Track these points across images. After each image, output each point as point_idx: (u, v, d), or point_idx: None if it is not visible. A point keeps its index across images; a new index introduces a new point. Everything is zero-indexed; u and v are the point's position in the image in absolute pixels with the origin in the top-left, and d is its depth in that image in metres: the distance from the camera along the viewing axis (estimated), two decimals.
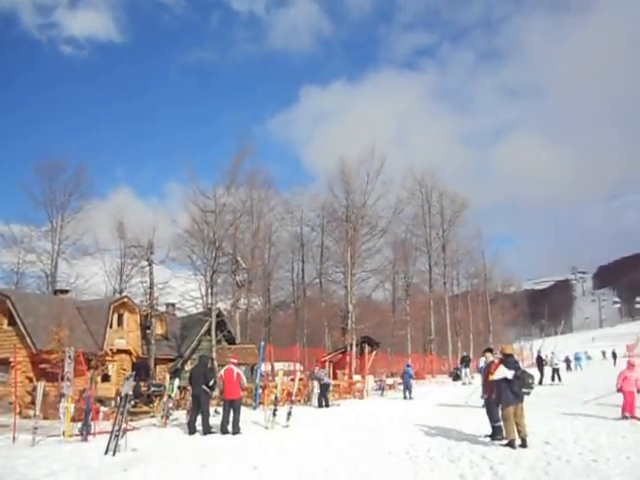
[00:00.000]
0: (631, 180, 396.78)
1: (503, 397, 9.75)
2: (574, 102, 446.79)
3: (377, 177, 38.93)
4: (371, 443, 10.46)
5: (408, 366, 25.62)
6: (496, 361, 10.75)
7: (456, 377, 35.07)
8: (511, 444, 9.44)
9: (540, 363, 29.11)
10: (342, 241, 37.37)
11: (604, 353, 54.08)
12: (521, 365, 11.08)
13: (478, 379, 25.87)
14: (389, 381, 28.92)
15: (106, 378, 26.60)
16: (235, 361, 13.34)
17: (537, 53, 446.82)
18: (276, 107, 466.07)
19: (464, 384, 29.48)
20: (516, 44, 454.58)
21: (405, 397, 23.48)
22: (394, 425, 13.44)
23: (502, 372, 9.82)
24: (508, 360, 10.12)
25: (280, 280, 44.76)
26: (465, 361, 32.63)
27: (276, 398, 14.84)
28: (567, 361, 42.79)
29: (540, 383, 27.77)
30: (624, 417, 12.91)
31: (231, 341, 31.66)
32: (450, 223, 50.36)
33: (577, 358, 42.02)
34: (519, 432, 9.55)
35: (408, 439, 10.76)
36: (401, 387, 27.23)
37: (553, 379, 28.30)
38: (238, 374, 13.04)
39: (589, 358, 58.66)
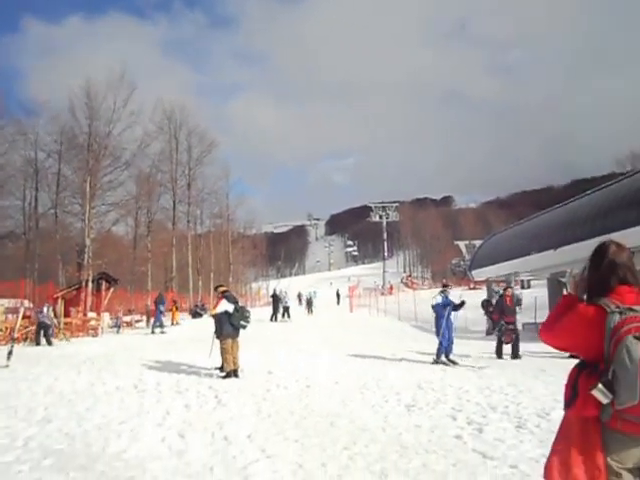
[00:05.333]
0: (351, 145, 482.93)
1: (224, 330, 10.34)
2: (296, 70, 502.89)
3: (125, 106, 36.83)
4: (99, 379, 10.21)
5: (162, 303, 26.00)
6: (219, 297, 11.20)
7: (195, 314, 35.68)
8: (229, 374, 10.12)
9: (275, 301, 31.01)
10: (82, 171, 34.83)
11: (338, 295, 59.20)
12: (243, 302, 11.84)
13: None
14: (126, 318, 28.31)
15: None
16: None
17: (260, 24, 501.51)
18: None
19: (162, 332, 24.14)
20: (242, 14, 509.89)
21: (153, 332, 23.80)
22: (126, 361, 13.26)
23: (224, 305, 10.44)
24: (228, 295, 10.78)
25: (9, 208, 39.89)
26: (160, 301, 27.29)
27: None
28: (299, 297, 46.15)
29: (274, 319, 29.76)
30: None
31: None
32: (197, 162, 50.03)
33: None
34: (234, 364, 10.28)
35: (138, 374, 10.78)
36: (138, 325, 27.39)
37: (283, 316, 30.51)
38: None
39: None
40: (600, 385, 2.15)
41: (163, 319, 25.32)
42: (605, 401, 2.16)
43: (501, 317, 13.81)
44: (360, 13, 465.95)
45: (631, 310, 2.23)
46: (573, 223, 21.97)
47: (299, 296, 49.68)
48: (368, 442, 5.82)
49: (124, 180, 39.83)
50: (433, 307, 13.27)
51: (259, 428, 6.46)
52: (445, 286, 13.73)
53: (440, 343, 12.72)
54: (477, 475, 4.76)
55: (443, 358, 12.62)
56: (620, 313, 2.22)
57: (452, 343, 12.91)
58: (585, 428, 2.27)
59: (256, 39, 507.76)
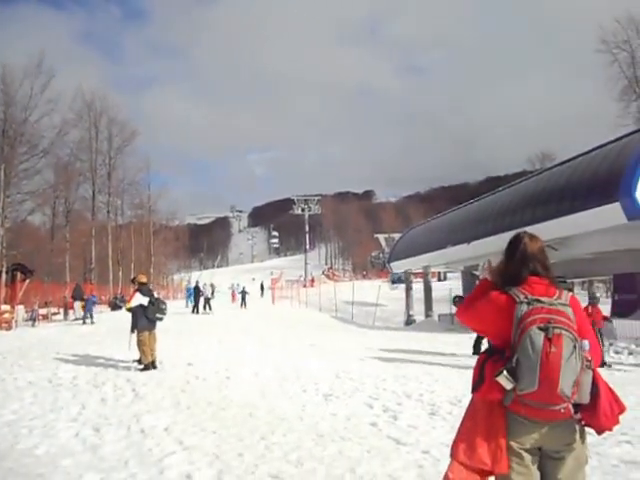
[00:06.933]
0: (273, 139, 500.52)
1: (139, 323, 10.24)
2: (214, 65, 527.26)
3: (42, 93, 35.42)
4: (10, 374, 9.79)
5: (93, 296, 25.79)
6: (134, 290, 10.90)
7: (115, 307, 34.70)
8: (148, 367, 10.01)
9: (197, 293, 30.63)
10: None
11: (262, 287, 58.97)
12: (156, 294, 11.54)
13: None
14: (43, 311, 27.28)
15: None
16: None
17: (176, 18, 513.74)
18: None
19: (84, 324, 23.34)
20: (157, 7, 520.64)
21: (85, 322, 23.27)
22: (41, 355, 12.70)
23: (138, 299, 10.31)
24: (143, 288, 10.60)
25: None
26: (77, 293, 27.61)
27: None
28: (212, 288, 45.79)
29: (195, 312, 29.44)
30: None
31: None
32: (118, 151, 48.56)
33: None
34: (151, 355, 10.20)
35: (53, 368, 10.41)
36: (55, 317, 27.52)
37: (205, 308, 30.25)
38: None
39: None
40: (505, 372, 2.26)
41: (81, 311, 24.73)
42: (509, 387, 2.27)
43: None
44: (277, 11, 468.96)
45: (538, 301, 2.34)
46: (485, 218, 22.93)
47: (212, 286, 49.41)
48: (285, 431, 5.92)
49: (41, 168, 38.14)
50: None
51: (177, 420, 6.43)
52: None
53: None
54: (390, 460, 4.94)
55: None
56: (528, 304, 2.33)
57: None
58: (490, 411, 2.39)
59: (173, 32, 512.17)
